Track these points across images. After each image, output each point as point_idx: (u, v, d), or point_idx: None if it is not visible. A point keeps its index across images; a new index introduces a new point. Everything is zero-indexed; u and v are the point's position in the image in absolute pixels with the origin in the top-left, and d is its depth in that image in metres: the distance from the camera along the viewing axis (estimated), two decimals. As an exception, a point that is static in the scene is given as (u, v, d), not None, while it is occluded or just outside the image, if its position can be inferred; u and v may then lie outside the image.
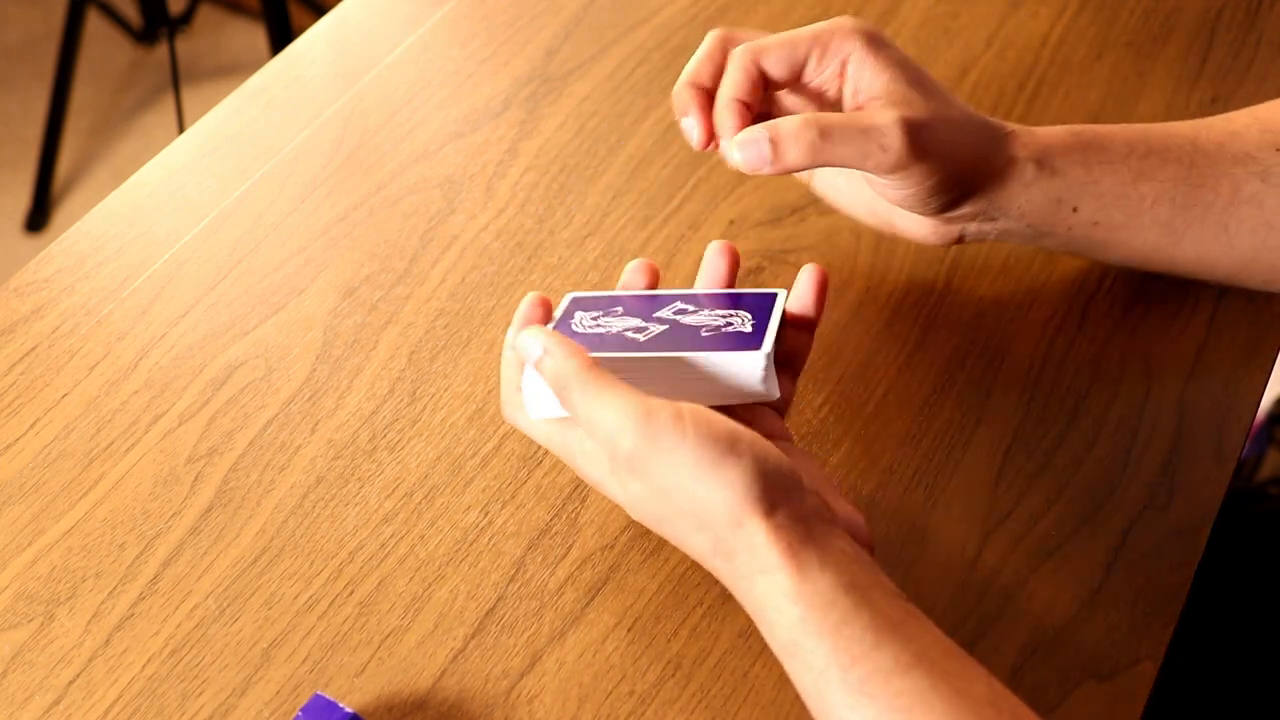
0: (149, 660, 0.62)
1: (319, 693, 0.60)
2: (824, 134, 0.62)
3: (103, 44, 2.30)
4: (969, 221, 0.69)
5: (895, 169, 0.64)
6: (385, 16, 0.94)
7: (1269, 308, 0.75)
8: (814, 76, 0.66)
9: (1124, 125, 0.71)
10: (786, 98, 0.70)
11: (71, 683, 0.61)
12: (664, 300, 0.65)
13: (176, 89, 1.70)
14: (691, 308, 0.64)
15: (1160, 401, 0.71)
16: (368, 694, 0.61)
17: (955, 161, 0.65)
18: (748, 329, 0.62)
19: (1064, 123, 0.85)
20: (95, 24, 2.25)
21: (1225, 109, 0.85)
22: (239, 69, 2.28)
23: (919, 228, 0.71)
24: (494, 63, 0.90)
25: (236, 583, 0.65)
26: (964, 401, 0.71)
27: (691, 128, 0.66)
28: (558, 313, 0.65)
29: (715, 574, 0.57)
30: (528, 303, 0.63)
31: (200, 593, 0.64)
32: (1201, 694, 0.88)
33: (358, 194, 0.82)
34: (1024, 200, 0.68)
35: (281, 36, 1.63)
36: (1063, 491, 0.67)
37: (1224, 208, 0.68)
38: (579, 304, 0.66)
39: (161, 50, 2.26)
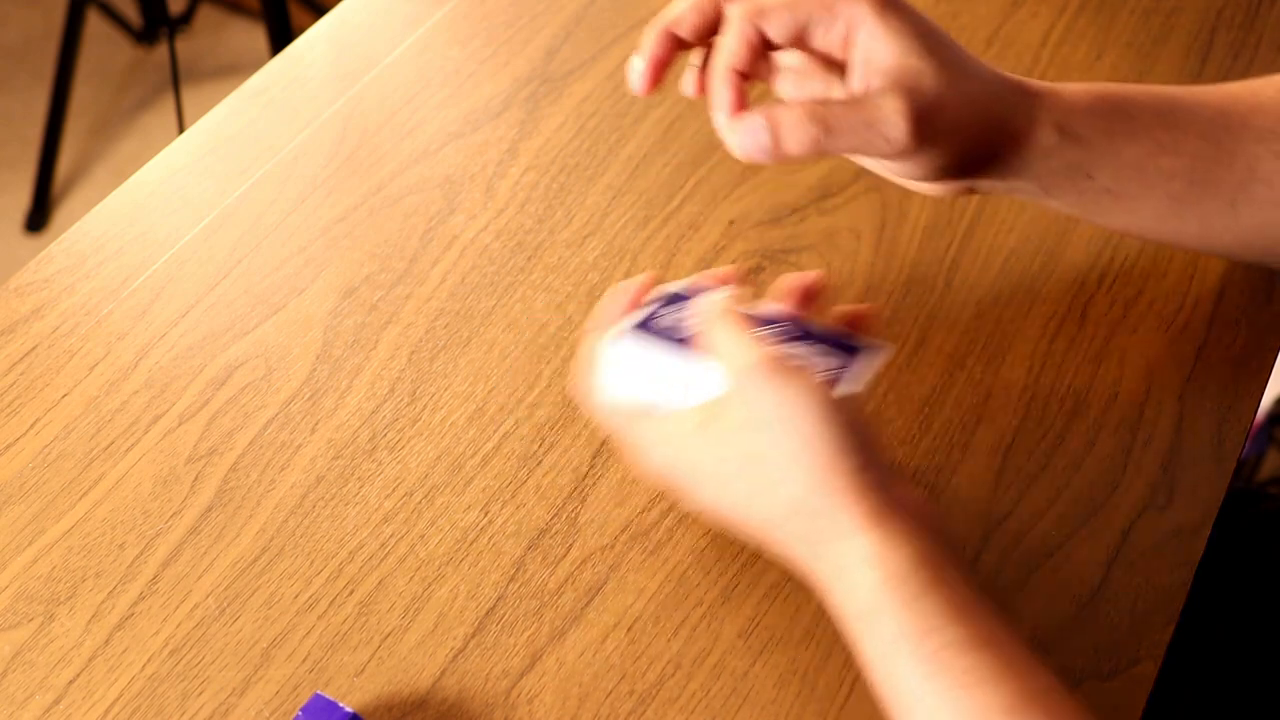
0: (149, 660, 0.62)
1: (319, 692, 0.60)
2: (826, 127, 0.59)
3: (103, 44, 2.30)
4: (978, 179, 0.67)
5: (901, 157, 0.62)
6: (385, 16, 0.94)
7: (1269, 307, 0.75)
8: (819, 39, 0.62)
9: (1150, 88, 0.68)
10: (785, 56, 0.66)
11: (71, 682, 0.61)
12: (773, 320, 0.64)
13: (176, 89, 1.70)
14: (798, 333, 0.63)
15: (1160, 401, 0.71)
16: (368, 694, 0.61)
17: (967, 140, 0.63)
18: (842, 373, 0.61)
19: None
20: (95, 24, 2.25)
21: (1225, 109, 0.86)
22: (239, 69, 2.28)
23: (926, 183, 0.68)
24: (494, 63, 0.90)
25: (236, 582, 0.64)
26: (964, 401, 0.71)
27: (636, 69, 0.63)
28: (651, 294, 0.64)
29: (782, 545, 0.57)
30: (623, 288, 0.64)
31: (200, 592, 0.64)
32: (1201, 694, 0.88)
33: (358, 194, 0.82)
34: (1040, 165, 0.66)
35: (281, 36, 1.63)
36: (1063, 491, 0.67)
37: (1237, 184, 0.67)
38: (671, 297, 0.65)
39: (161, 50, 2.26)
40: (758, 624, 0.63)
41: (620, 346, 0.61)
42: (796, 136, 0.59)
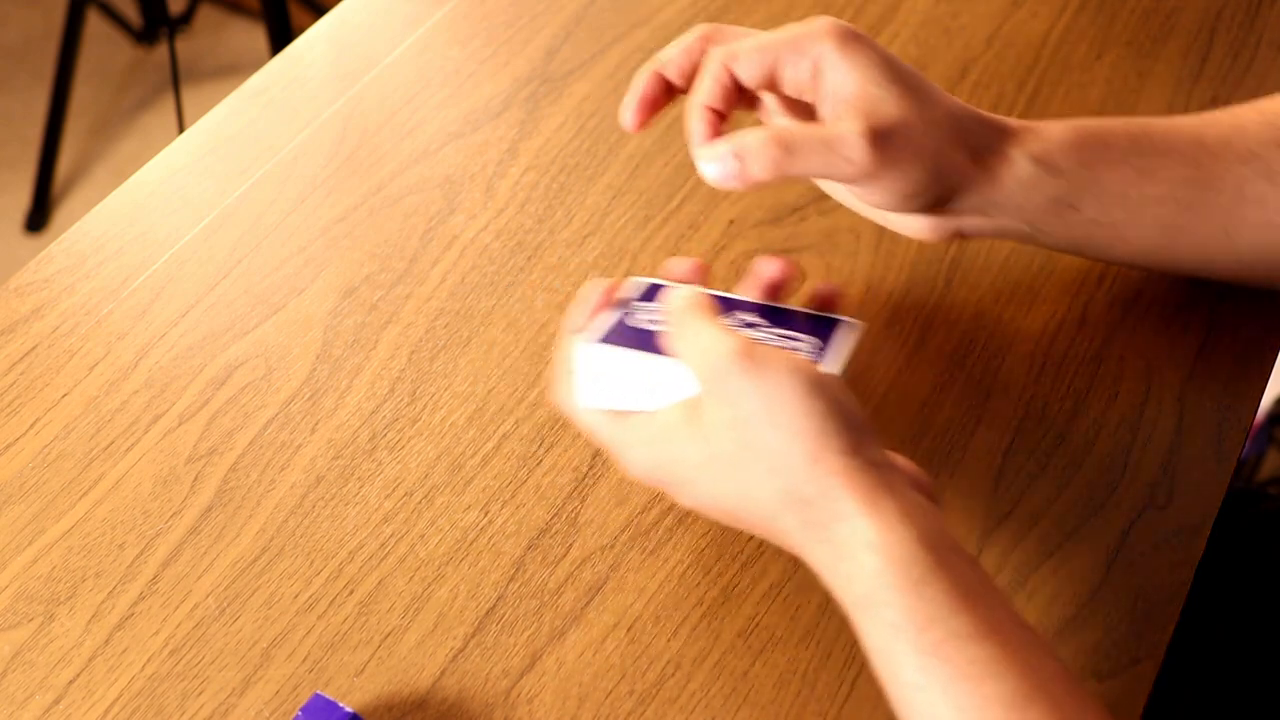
0: (149, 660, 0.62)
1: (319, 692, 0.60)
2: (788, 149, 0.61)
3: (103, 44, 2.30)
4: (964, 217, 0.68)
5: (863, 179, 0.63)
6: (385, 16, 0.94)
7: (1269, 308, 0.75)
8: (790, 80, 0.65)
9: (1127, 120, 0.69)
10: (768, 99, 0.69)
11: (71, 682, 0.61)
12: (737, 306, 0.65)
13: (176, 89, 1.70)
14: (762, 321, 0.63)
15: (1160, 401, 0.71)
16: (368, 694, 0.61)
17: (931, 163, 0.64)
18: (814, 356, 0.61)
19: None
20: (95, 24, 2.25)
21: (1225, 109, 0.86)
22: (239, 69, 2.28)
23: (912, 223, 0.70)
24: (494, 63, 0.90)
25: (236, 582, 0.65)
26: (964, 401, 0.71)
27: (628, 108, 0.66)
28: (623, 293, 0.64)
29: (779, 536, 0.57)
30: (594, 289, 0.63)
31: (200, 592, 0.64)
32: (1201, 694, 0.88)
33: (358, 194, 0.82)
34: (1021, 198, 0.67)
35: (281, 36, 1.63)
36: (1063, 491, 0.67)
37: (1227, 207, 0.67)
38: (643, 292, 0.65)
39: (161, 50, 2.26)
40: (758, 624, 0.63)
41: (593, 352, 0.60)
42: (761, 161, 0.61)
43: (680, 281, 0.66)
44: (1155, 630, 0.62)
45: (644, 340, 0.60)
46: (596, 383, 0.60)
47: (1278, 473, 1.33)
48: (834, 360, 0.61)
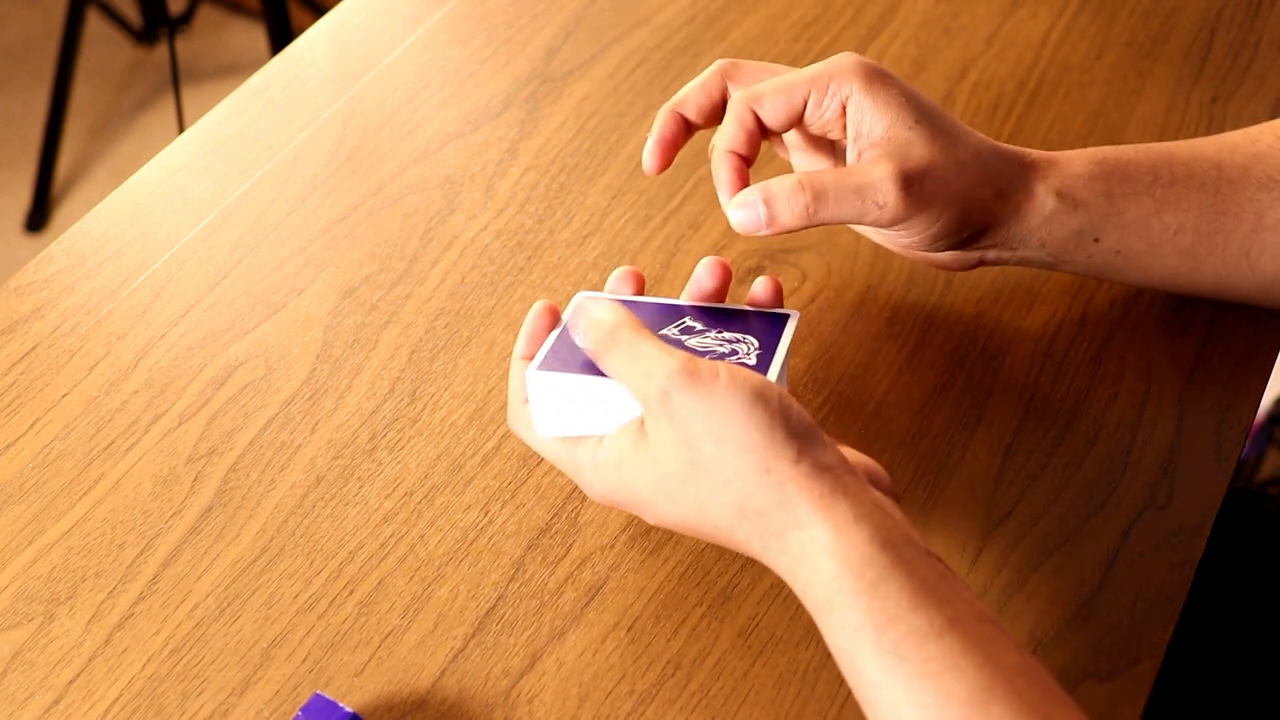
0: (149, 660, 0.62)
1: (319, 692, 0.60)
2: (818, 196, 0.62)
3: (103, 44, 2.30)
4: (986, 250, 0.69)
5: (894, 223, 0.64)
6: (385, 16, 0.94)
7: (1269, 309, 0.75)
8: (815, 119, 0.65)
9: (1147, 148, 0.69)
10: (790, 137, 0.69)
11: (71, 682, 0.61)
12: (674, 313, 0.64)
13: (176, 89, 1.70)
14: (700, 326, 0.63)
15: (1160, 401, 0.71)
16: (368, 694, 0.61)
17: (960, 206, 0.65)
18: (752, 360, 0.61)
19: (1064, 123, 0.85)
20: (95, 24, 2.25)
21: (1225, 109, 0.86)
22: (239, 69, 2.28)
23: (935, 255, 0.70)
24: (494, 63, 0.90)
25: (236, 582, 0.65)
26: (964, 401, 0.71)
27: (649, 151, 0.66)
28: (566, 314, 0.63)
29: (740, 546, 0.57)
30: (536, 313, 0.62)
31: (200, 592, 0.64)
32: (1201, 694, 0.88)
33: (358, 194, 0.82)
34: (1044, 232, 0.67)
35: (281, 36, 1.63)
36: (1063, 491, 0.67)
37: (1247, 234, 0.68)
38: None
39: (161, 50, 2.26)
40: (758, 624, 0.63)
41: (540, 379, 0.60)
42: (790, 208, 0.62)
43: (629, 292, 0.65)
44: (1155, 630, 0.62)
45: (590, 362, 0.60)
46: (547, 409, 0.60)
47: (1278, 473, 1.33)
48: (776, 359, 0.61)
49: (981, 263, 0.70)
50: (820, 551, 0.53)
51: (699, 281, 0.65)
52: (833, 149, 0.69)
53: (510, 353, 0.73)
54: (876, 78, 0.64)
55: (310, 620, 0.63)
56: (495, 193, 0.82)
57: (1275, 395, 1.44)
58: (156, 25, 2.08)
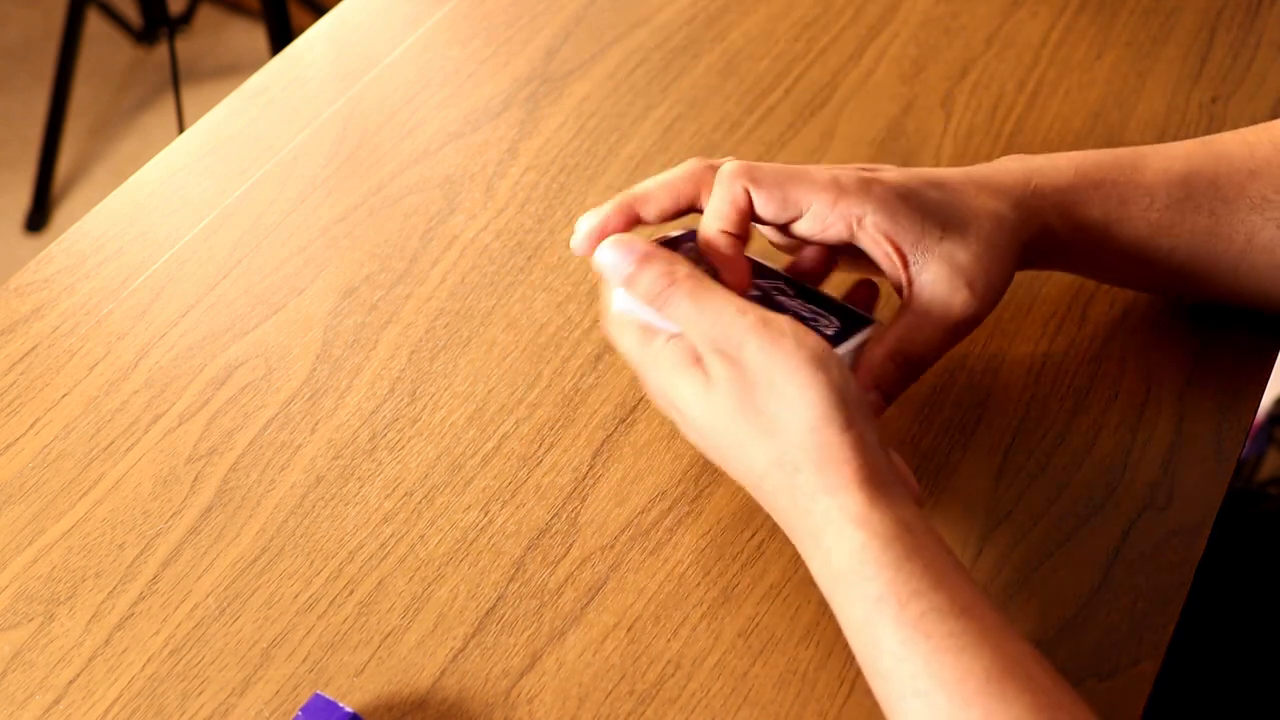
0: (149, 660, 0.62)
1: (319, 692, 0.60)
2: (911, 363, 0.63)
3: (103, 44, 2.30)
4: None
5: (980, 314, 0.65)
6: (385, 16, 0.94)
7: (1269, 308, 0.75)
8: (807, 227, 0.63)
9: (1145, 165, 0.68)
10: (768, 230, 0.66)
11: (71, 682, 0.61)
12: (770, 272, 0.65)
13: (176, 89, 1.70)
14: (791, 292, 0.64)
15: (1160, 401, 0.71)
16: (368, 694, 0.61)
17: (1011, 273, 0.65)
18: (829, 334, 0.62)
19: (1064, 123, 0.85)
20: (95, 24, 2.25)
21: (1225, 109, 0.86)
22: (239, 69, 2.28)
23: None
24: (494, 63, 0.90)
25: (236, 582, 0.65)
26: (964, 401, 0.71)
27: (580, 230, 0.62)
28: (673, 234, 0.64)
29: (766, 497, 0.58)
30: (614, 206, 0.62)
31: (200, 592, 0.64)
32: (1201, 694, 0.88)
33: (358, 194, 0.82)
34: (1055, 262, 0.69)
35: (281, 36, 1.63)
36: (1063, 491, 0.67)
37: (1237, 255, 0.68)
38: (685, 241, 0.64)
39: (161, 50, 2.26)
40: (758, 624, 0.63)
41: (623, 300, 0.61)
42: (898, 389, 0.64)
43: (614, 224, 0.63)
44: (1155, 630, 0.62)
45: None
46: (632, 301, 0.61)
47: (1278, 473, 1.33)
48: (848, 345, 0.62)
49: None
50: (850, 519, 0.55)
51: (799, 260, 0.67)
52: (820, 253, 0.67)
53: (510, 352, 0.73)
54: (894, 199, 0.62)
55: (310, 620, 0.63)
56: (495, 193, 0.82)
57: (1275, 395, 1.44)
58: (156, 25, 2.08)
